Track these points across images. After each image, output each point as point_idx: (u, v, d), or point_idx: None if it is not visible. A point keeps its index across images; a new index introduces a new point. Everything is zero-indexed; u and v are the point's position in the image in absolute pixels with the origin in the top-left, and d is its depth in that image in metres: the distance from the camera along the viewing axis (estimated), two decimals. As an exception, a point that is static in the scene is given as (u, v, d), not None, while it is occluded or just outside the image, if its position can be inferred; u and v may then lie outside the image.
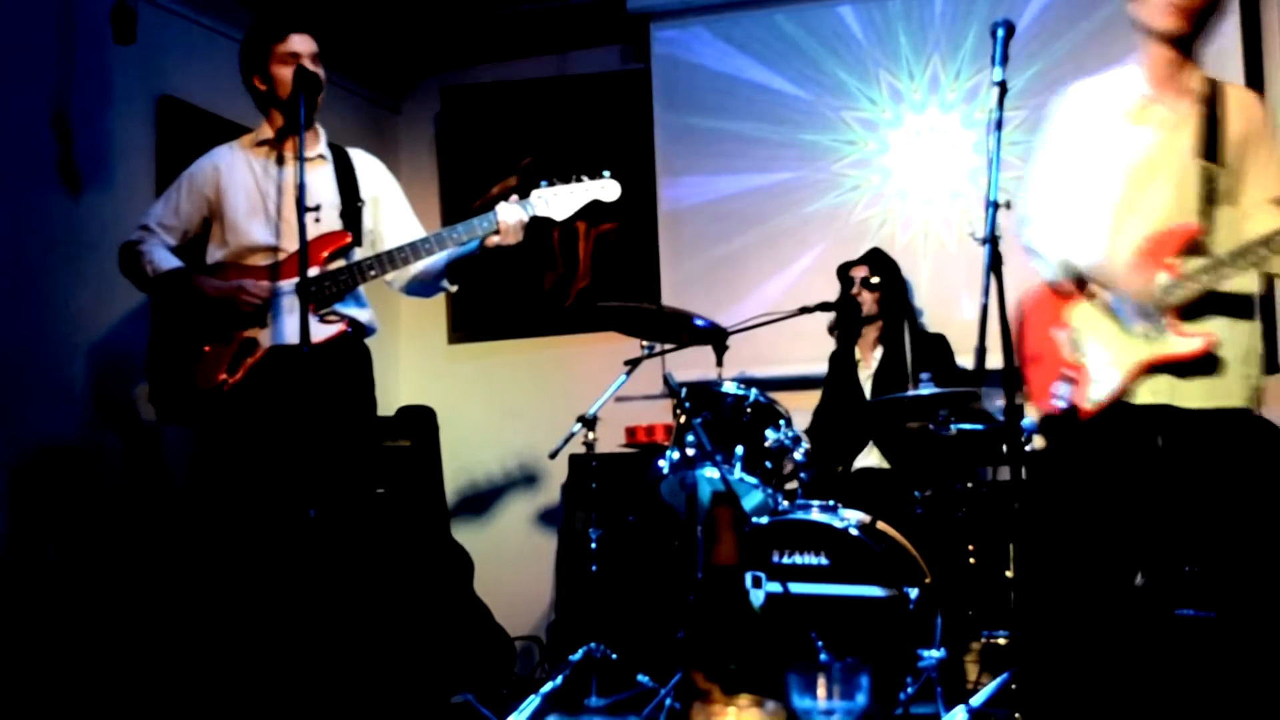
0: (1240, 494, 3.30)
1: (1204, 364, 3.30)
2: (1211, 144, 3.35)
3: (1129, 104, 3.45)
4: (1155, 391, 3.34)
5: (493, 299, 6.89)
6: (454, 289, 4.36)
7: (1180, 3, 3.28)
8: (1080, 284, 3.49)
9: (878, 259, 5.58)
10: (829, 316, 5.60)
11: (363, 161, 4.30)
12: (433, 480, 6.26)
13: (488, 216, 4.04)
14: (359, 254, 4.15)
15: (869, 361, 5.52)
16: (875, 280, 5.48)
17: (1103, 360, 3.40)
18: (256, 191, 4.11)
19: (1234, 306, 3.35)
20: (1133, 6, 3.39)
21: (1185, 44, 3.37)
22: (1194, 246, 3.32)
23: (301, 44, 4.09)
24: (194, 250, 4.20)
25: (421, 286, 4.36)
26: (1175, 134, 3.39)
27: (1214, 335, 3.27)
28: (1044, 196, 3.53)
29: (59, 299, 4.79)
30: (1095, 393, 3.39)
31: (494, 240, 4.06)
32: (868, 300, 5.48)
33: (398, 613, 4.48)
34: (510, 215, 4.03)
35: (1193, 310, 3.30)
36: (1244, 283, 3.34)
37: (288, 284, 3.99)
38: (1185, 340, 3.28)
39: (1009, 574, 4.38)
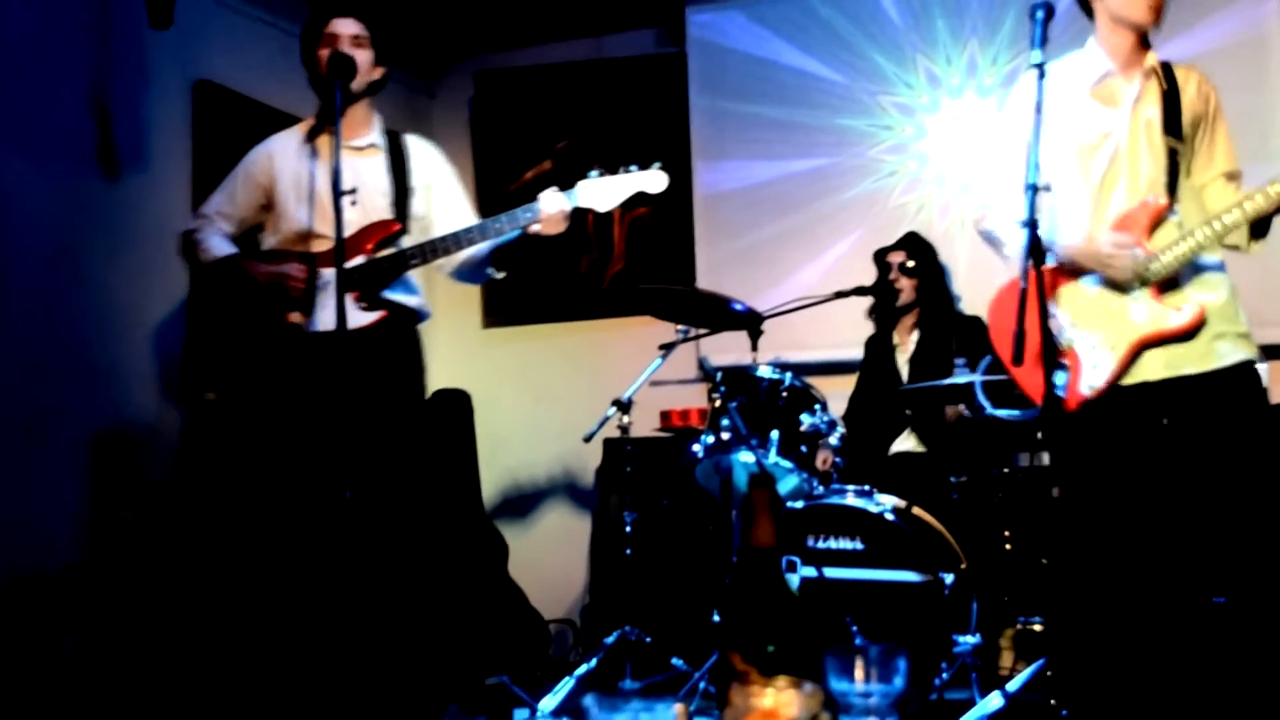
0: (1251, 456, 3.31)
1: (1194, 332, 3.34)
2: (1173, 120, 3.42)
3: (1092, 82, 3.53)
4: (1154, 368, 3.37)
5: (527, 283, 6.89)
6: (500, 275, 4.36)
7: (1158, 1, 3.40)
8: (1063, 269, 3.52)
9: (914, 243, 5.56)
10: (866, 301, 5.58)
11: (417, 148, 4.30)
12: (468, 464, 6.27)
13: (531, 206, 4.02)
14: (408, 241, 4.15)
15: (906, 346, 5.50)
16: (911, 265, 5.46)
17: (1093, 345, 3.43)
18: (305, 178, 4.12)
19: (1208, 268, 3.41)
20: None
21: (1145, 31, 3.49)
22: (1162, 221, 3.38)
23: (342, 26, 4.08)
24: (252, 238, 4.24)
25: (469, 273, 4.36)
26: (1139, 109, 3.47)
27: (1202, 304, 3.30)
28: (1004, 181, 3.57)
29: (98, 282, 4.82)
30: (1092, 378, 3.40)
31: (536, 228, 4.05)
32: (905, 286, 5.46)
33: (433, 595, 4.49)
34: (552, 205, 4.02)
35: (1171, 281, 3.36)
36: (1214, 249, 3.39)
37: (330, 271, 4.00)
38: (1177, 314, 3.34)
39: (1044, 560, 4.37)
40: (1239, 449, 3.31)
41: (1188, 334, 3.33)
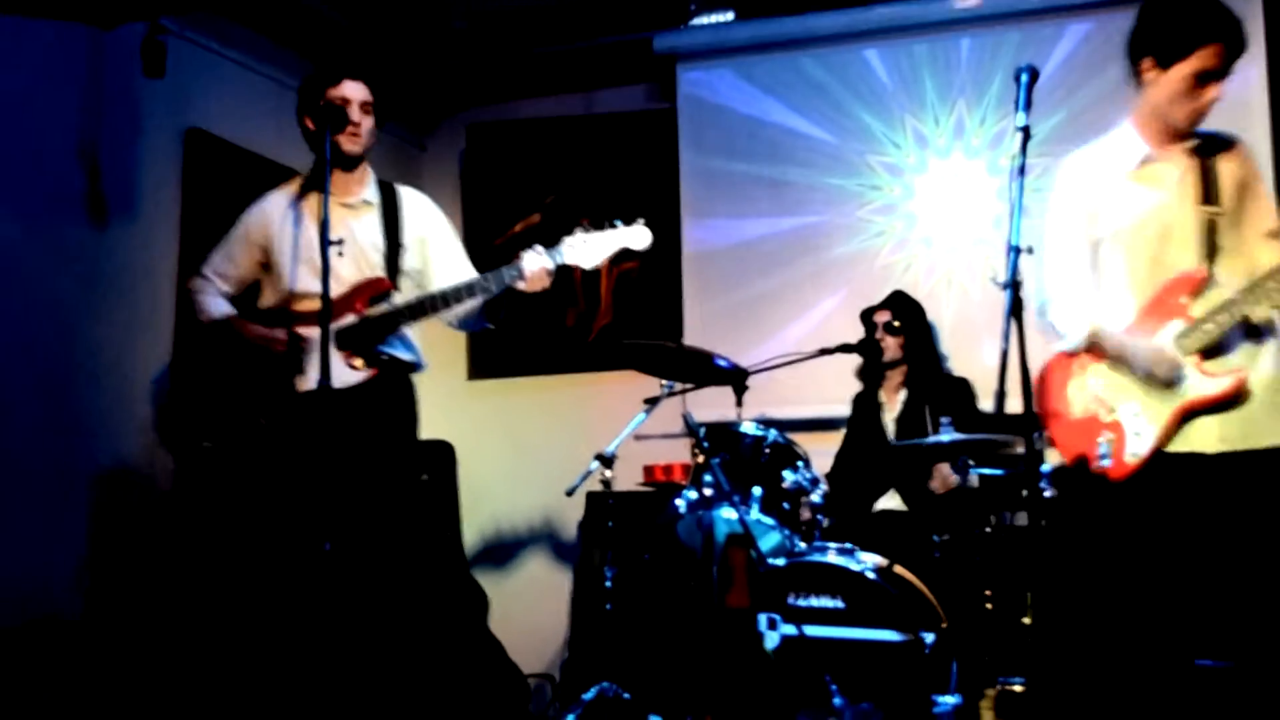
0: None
1: (1238, 401, 3.34)
2: (1209, 189, 3.45)
3: (1130, 165, 3.56)
4: (1207, 440, 3.38)
5: (513, 336, 6.89)
6: (493, 326, 4.37)
7: (1206, 113, 3.46)
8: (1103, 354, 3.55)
9: (900, 303, 5.57)
10: (851, 359, 5.59)
11: (411, 201, 4.32)
12: (450, 516, 6.25)
13: (515, 266, 4.04)
14: (401, 295, 4.15)
15: (893, 405, 5.50)
16: (897, 324, 5.48)
17: (1137, 414, 3.44)
18: (300, 238, 4.12)
19: (1254, 337, 3.41)
20: (1154, 91, 3.50)
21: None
22: (1203, 290, 3.40)
23: (353, 90, 4.12)
24: (251, 296, 4.29)
25: (465, 323, 4.38)
26: (1179, 188, 3.50)
27: (1243, 371, 3.31)
28: (1060, 275, 3.63)
29: (83, 330, 4.81)
30: (1135, 447, 3.41)
31: (520, 286, 4.06)
32: (891, 345, 5.47)
33: (411, 648, 4.47)
34: (534, 264, 4.03)
35: (1216, 349, 3.37)
36: (1261, 312, 3.40)
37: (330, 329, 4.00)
38: (1214, 381, 3.35)
39: (1026, 621, 4.35)
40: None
41: (1232, 404, 3.34)
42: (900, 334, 5.48)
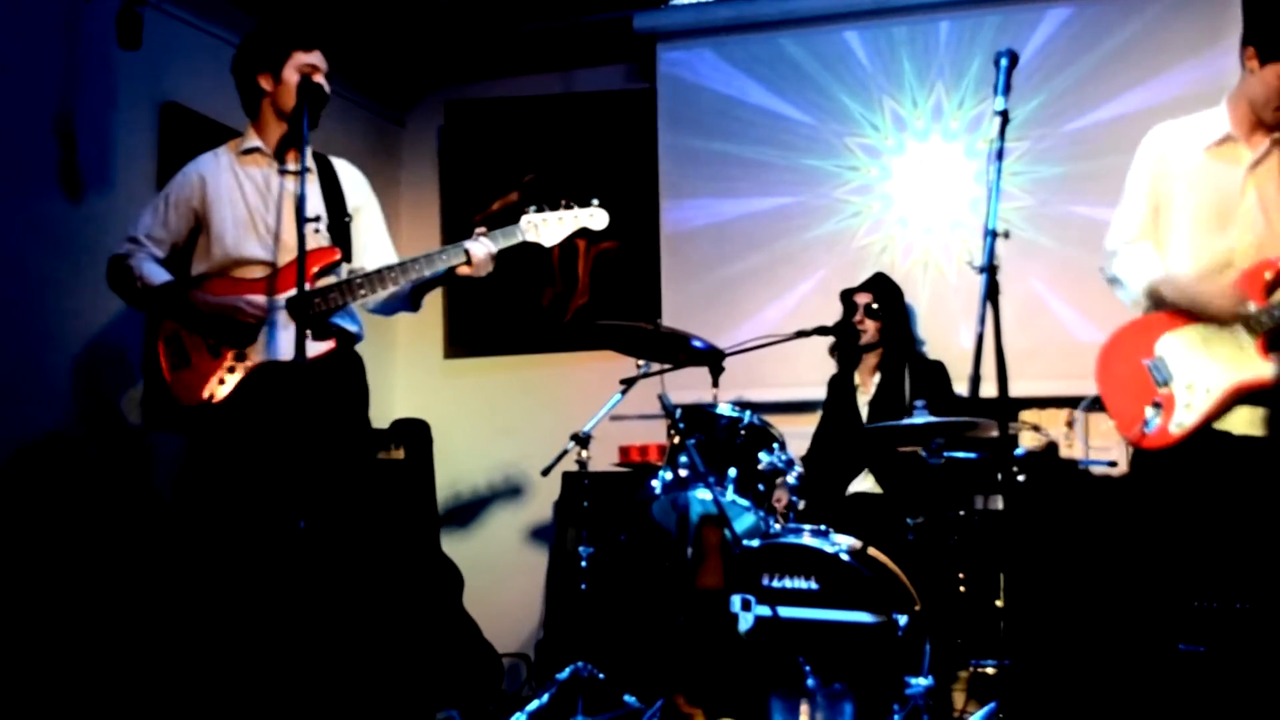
0: None
1: None
2: None
3: (1209, 141, 3.59)
4: (1240, 423, 3.45)
5: (490, 314, 6.89)
6: (416, 311, 4.34)
7: None
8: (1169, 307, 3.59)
9: (881, 285, 5.57)
10: (827, 341, 5.60)
11: (346, 172, 4.26)
12: (425, 494, 6.25)
13: (459, 247, 4.02)
14: (346, 268, 4.12)
15: (868, 388, 5.51)
16: (876, 307, 5.48)
17: (1190, 385, 3.48)
18: (244, 203, 4.06)
19: None
20: (1251, 81, 3.52)
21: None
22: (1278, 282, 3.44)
23: (322, 61, 4.08)
24: (181, 261, 4.17)
25: (383, 306, 4.28)
26: (1248, 172, 3.53)
27: None
28: (1126, 230, 3.68)
29: (55, 303, 4.78)
30: (1183, 418, 3.45)
31: (464, 271, 4.05)
32: (869, 328, 5.47)
33: (385, 626, 4.46)
34: (480, 250, 4.02)
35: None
36: None
37: (280, 299, 3.97)
38: (1270, 366, 3.39)
39: (999, 603, 4.37)
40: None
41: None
42: (879, 318, 5.48)
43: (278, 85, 4.05)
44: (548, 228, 4.13)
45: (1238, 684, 3.37)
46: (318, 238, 4.01)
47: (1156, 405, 3.50)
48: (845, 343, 5.58)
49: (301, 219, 3.66)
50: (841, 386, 5.61)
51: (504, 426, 6.79)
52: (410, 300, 4.24)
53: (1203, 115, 3.66)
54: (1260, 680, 3.34)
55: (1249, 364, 3.42)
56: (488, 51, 6.90)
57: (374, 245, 4.24)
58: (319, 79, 4.04)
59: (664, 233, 6.58)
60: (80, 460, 4.87)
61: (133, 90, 5.21)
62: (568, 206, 4.13)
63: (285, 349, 3.90)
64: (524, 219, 4.12)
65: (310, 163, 4.12)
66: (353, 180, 4.28)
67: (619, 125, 6.81)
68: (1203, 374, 3.48)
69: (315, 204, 4.09)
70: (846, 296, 5.61)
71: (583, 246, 6.74)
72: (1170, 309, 3.58)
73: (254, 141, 4.14)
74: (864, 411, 5.46)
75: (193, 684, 4.02)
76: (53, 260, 4.77)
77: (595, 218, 4.17)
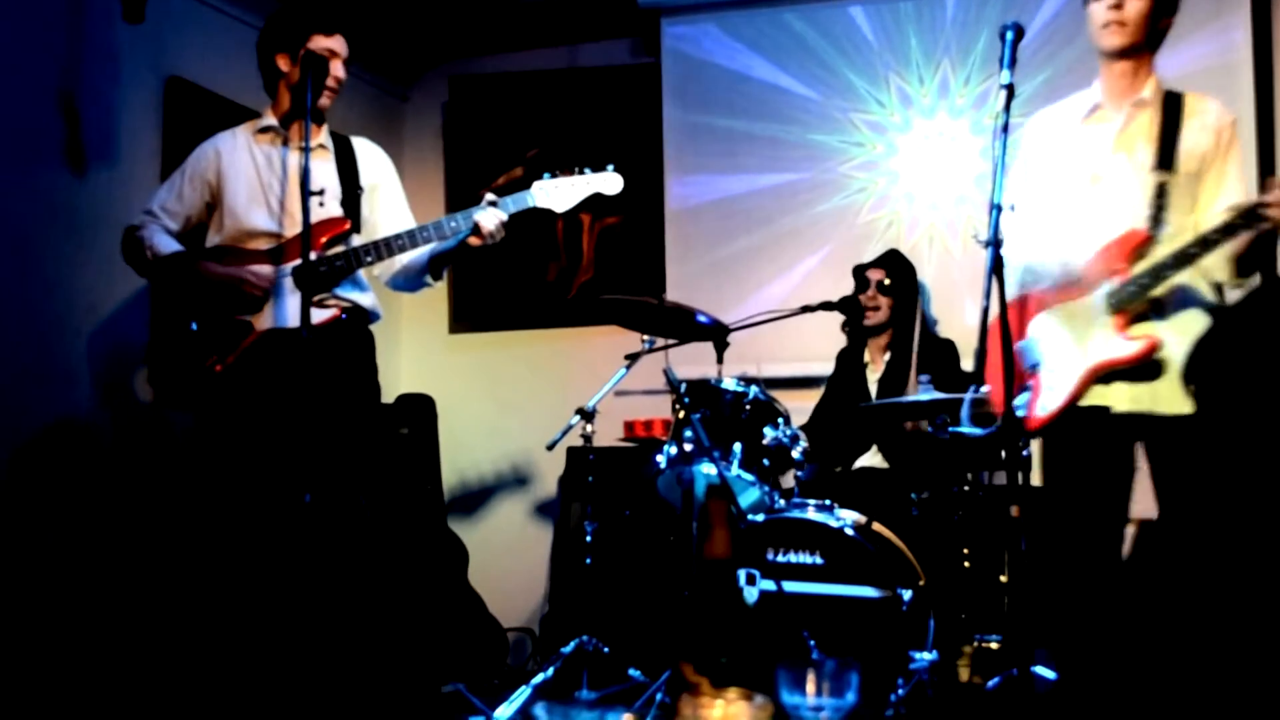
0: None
1: (1151, 368, 3.35)
2: (1166, 153, 3.43)
3: (1082, 114, 3.58)
4: (1119, 399, 3.41)
5: (495, 290, 6.88)
6: (436, 284, 4.37)
7: (1117, 19, 3.40)
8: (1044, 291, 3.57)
9: (894, 262, 5.55)
10: (832, 317, 5.58)
11: (364, 150, 4.33)
12: (430, 469, 6.26)
13: (469, 214, 4.04)
14: (357, 241, 4.15)
15: (878, 365, 5.50)
16: (889, 283, 5.46)
17: (1052, 370, 3.48)
18: (257, 178, 4.13)
19: (1194, 306, 3.41)
20: (1089, 28, 3.50)
21: (1137, 55, 3.49)
22: (1143, 252, 3.39)
23: (341, 46, 4.15)
24: (197, 236, 4.22)
25: (405, 281, 4.36)
26: (1122, 140, 3.49)
27: (1156, 338, 3.31)
28: (1025, 230, 3.60)
29: (61, 279, 4.78)
30: (1047, 401, 3.45)
31: (475, 241, 4.06)
32: (882, 304, 5.45)
33: (391, 600, 4.48)
34: (489, 220, 4.03)
35: (1144, 314, 3.38)
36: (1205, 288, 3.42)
37: (286, 268, 4.01)
38: (1126, 344, 3.35)
39: (1003, 579, 4.39)
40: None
41: (1146, 370, 3.35)
42: (892, 294, 5.46)
43: (294, 67, 4.08)
44: (560, 193, 4.13)
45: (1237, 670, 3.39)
46: (322, 211, 4.03)
47: (1025, 388, 3.52)
48: (855, 319, 5.57)
49: (306, 192, 3.70)
50: (851, 362, 5.60)
51: (509, 401, 6.80)
52: (430, 271, 4.28)
53: (1079, 95, 3.64)
54: (1255, 665, 3.37)
55: (1106, 344, 3.39)
56: (492, 26, 6.88)
57: (394, 220, 4.27)
58: (336, 65, 4.08)
59: (669, 208, 6.57)
60: (92, 437, 4.87)
61: (137, 65, 5.20)
62: (580, 171, 4.13)
63: (289, 317, 3.94)
64: (535, 185, 4.13)
65: (326, 140, 4.23)
66: (371, 158, 4.32)
67: (624, 100, 6.80)
68: (1064, 357, 3.48)
69: (328, 178, 4.14)
70: (859, 272, 5.59)
71: (587, 221, 6.74)
72: (1044, 288, 3.58)
73: (270, 120, 4.21)
74: (873, 389, 5.44)
75: (195, 656, 4.05)
76: (57, 235, 4.77)
77: (609, 182, 4.16)
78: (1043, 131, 3.67)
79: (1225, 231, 3.24)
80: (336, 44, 4.12)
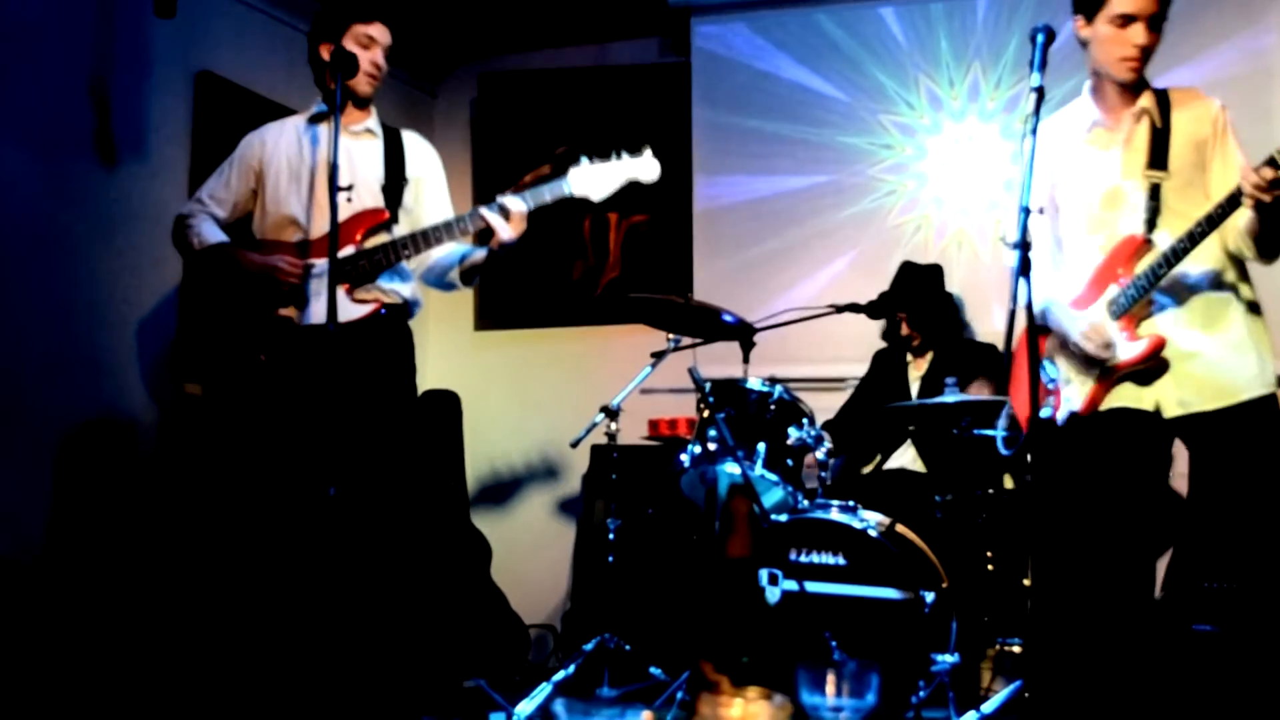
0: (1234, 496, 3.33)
1: (1161, 365, 3.37)
2: (1158, 153, 3.45)
3: (1082, 131, 3.59)
4: (1130, 398, 3.42)
5: (521, 287, 6.89)
6: (462, 287, 4.38)
7: (1137, 59, 3.43)
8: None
9: (910, 290, 5.52)
10: (860, 321, 5.54)
11: (413, 143, 4.34)
12: (454, 465, 6.27)
13: (490, 207, 4.04)
14: (399, 233, 4.15)
15: (920, 364, 5.48)
16: (915, 320, 5.45)
17: (1069, 380, 3.54)
18: (296, 166, 4.16)
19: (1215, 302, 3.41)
20: (1092, 48, 3.51)
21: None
22: (1141, 255, 3.42)
23: (381, 34, 4.15)
24: (244, 224, 4.27)
25: (435, 279, 4.38)
26: (1124, 151, 3.51)
27: (1160, 336, 3.31)
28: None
29: (91, 271, 4.81)
30: (1064, 416, 3.47)
31: (498, 240, 4.05)
32: (917, 337, 5.47)
33: (414, 595, 4.49)
34: (514, 204, 4.03)
35: (1145, 314, 3.42)
36: (1226, 276, 3.42)
37: (322, 262, 4.01)
38: (1133, 345, 3.37)
39: (1026, 582, 4.37)
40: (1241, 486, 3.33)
41: (1154, 369, 3.37)
42: (920, 328, 5.46)
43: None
44: (596, 180, 4.10)
45: (1254, 666, 3.37)
46: (349, 206, 4.04)
47: (1050, 404, 3.56)
48: (890, 328, 5.57)
49: (334, 187, 3.70)
50: (891, 361, 5.58)
51: (534, 399, 6.80)
52: (461, 276, 4.32)
53: (1072, 108, 3.65)
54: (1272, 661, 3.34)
55: (1116, 349, 3.41)
56: (521, 23, 6.89)
57: (436, 214, 4.28)
58: (376, 52, 4.11)
59: (696, 208, 6.57)
60: (123, 428, 4.90)
61: (167, 59, 5.22)
62: (617, 156, 4.11)
63: (323, 312, 3.94)
64: (572, 170, 4.11)
65: (375, 125, 4.26)
66: (419, 152, 4.35)
67: (652, 99, 6.79)
68: (1078, 369, 3.52)
69: (373, 166, 4.17)
70: (888, 311, 5.55)
71: (614, 219, 6.73)
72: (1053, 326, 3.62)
73: (319, 109, 4.23)
74: (914, 386, 5.43)
75: (217, 647, 4.06)
76: (87, 228, 4.79)
77: (646, 167, 4.13)
78: (1046, 152, 3.65)
79: (1208, 223, 3.26)
80: (376, 31, 4.14)
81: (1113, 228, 3.48)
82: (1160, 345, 3.35)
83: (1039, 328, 3.55)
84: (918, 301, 5.50)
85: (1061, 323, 3.54)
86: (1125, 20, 3.39)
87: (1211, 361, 3.36)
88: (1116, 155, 3.50)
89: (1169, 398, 3.38)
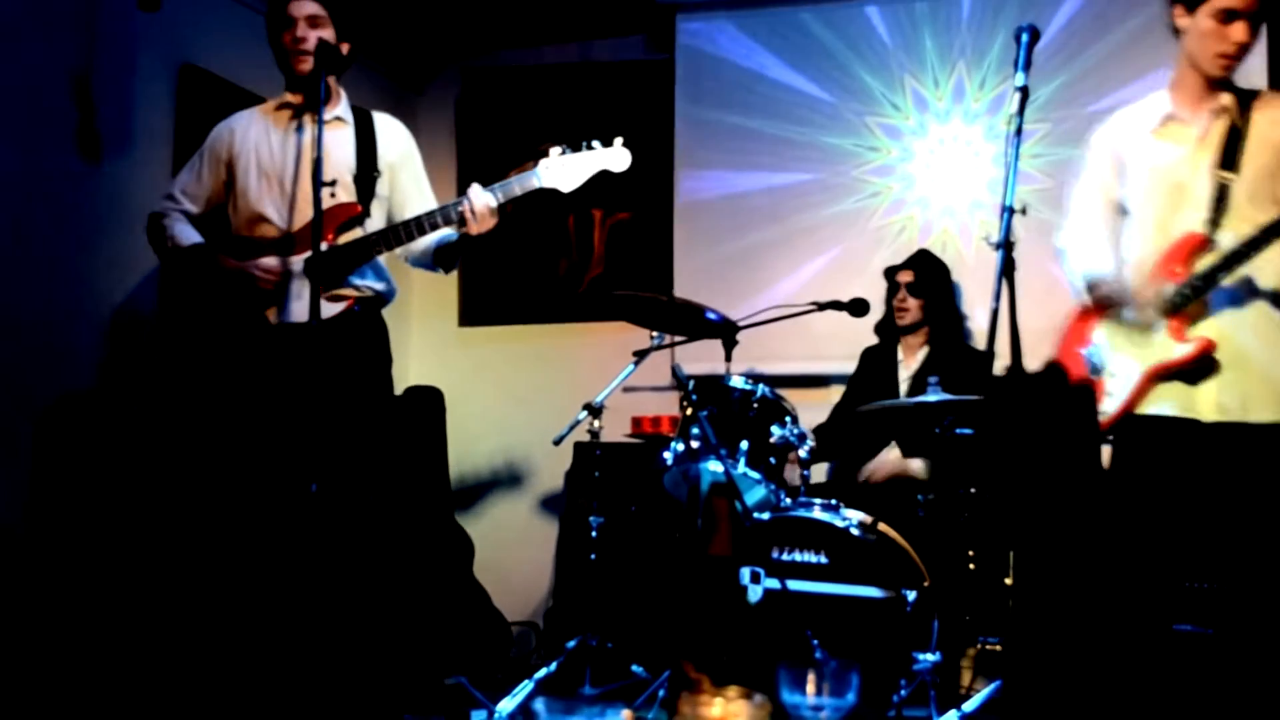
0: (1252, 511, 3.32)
1: (1205, 367, 3.34)
2: (1230, 153, 3.42)
3: (1153, 124, 3.57)
4: (1171, 403, 3.39)
5: (505, 284, 6.88)
6: (441, 271, 4.37)
7: (1234, 55, 3.41)
8: (1101, 303, 3.57)
9: (923, 262, 5.52)
10: (842, 315, 5.55)
11: (385, 125, 4.28)
12: (437, 462, 6.25)
13: (459, 201, 4.01)
14: (373, 222, 4.13)
15: (910, 362, 5.48)
16: (919, 284, 5.44)
17: (1113, 374, 3.46)
18: (265, 158, 4.12)
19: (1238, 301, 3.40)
20: (1186, 40, 3.48)
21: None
22: (1200, 254, 3.40)
23: (299, 8, 4.07)
24: (219, 216, 4.23)
25: (415, 260, 4.37)
26: (1196, 148, 3.47)
27: (1209, 339, 3.30)
28: (1077, 227, 3.68)
29: (74, 264, 4.79)
30: (1107, 405, 3.44)
31: (472, 230, 4.03)
32: (911, 306, 5.44)
33: (395, 592, 4.48)
34: (480, 199, 4.00)
35: (1197, 315, 3.39)
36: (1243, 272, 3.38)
37: (298, 260, 3.99)
38: (1182, 345, 3.34)
39: (1008, 581, 4.37)
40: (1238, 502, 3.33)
41: (1201, 370, 3.35)
42: (920, 295, 5.45)
43: (284, 45, 4.09)
44: (566, 171, 4.06)
45: (1239, 666, 3.37)
46: (333, 200, 4.01)
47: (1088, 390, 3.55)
48: (886, 321, 5.57)
49: (318, 183, 3.68)
50: (881, 358, 5.57)
51: (517, 396, 6.80)
52: (439, 262, 4.30)
53: (1146, 101, 3.64)
54: (1260, 662, 3.34)
55: (1163, 347, 3.41)
56: (506, 20, 6.88)
57: (413, 200, 4.26)
58: (302, 30, 4.04)
59: (678, 203, 6.56)
60: (105, 423, 4.87)
61: (151, 52, 5.20)
62: (588, 147, 4.09)
63: (300, 311, 3.93)
64: (541, 163, 4.08)
65: (345, 112, 4.22)
66: (391, 134, 4.29)
67: (636, 96, 6.79)
68: (1123, 362, 3.50)
69: (345, 156, 4.12)
70: (889, 274, 5.59)
71: (598, 216, 6.73)
72: (1102, 303, 3.61)
73: (286, 98, 4.21)
74: (904, 385, 5.42)
75: (201, 648, 4.04)
76: (70, 221, 4.77)
77: (616, 157, 4.10)
78: (1112, 143, 3.67)
79: (1268, 233, 3.25)
80: (298, 9, 4.05)
81: (1172, 222, 3.47)
82: (1207, 349, 3.33)
83: (1084, 309, 3.60)
84: (928, 267, 5.52)
85: (1115, 289, 3.54)
86: (1229, 16, 3.37)
87: (1261, 372, 3.35)
88: (1187, 151, 3.49)
89: (1208, 401, 3.37)
